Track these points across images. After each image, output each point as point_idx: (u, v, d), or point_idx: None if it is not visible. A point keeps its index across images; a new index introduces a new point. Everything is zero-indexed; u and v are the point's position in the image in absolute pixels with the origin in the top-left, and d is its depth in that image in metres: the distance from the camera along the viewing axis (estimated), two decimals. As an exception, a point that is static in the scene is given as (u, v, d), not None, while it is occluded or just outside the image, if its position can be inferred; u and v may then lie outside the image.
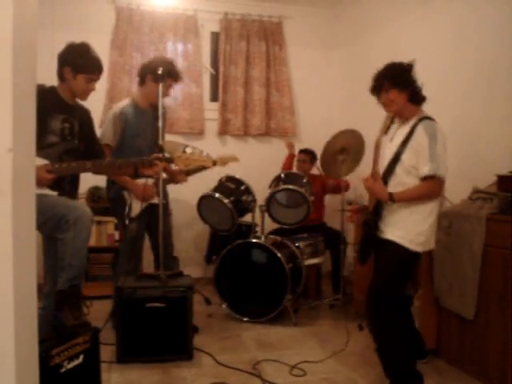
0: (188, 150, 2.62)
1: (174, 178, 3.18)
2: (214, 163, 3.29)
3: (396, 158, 2.27)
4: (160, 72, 2.89)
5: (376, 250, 2.33)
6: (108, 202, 3.24)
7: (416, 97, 2.33)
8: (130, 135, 3.02)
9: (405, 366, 2.24)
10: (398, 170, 2.26)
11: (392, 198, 2.23)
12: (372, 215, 2.32)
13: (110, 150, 2.98)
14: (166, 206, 3.17)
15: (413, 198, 2.22)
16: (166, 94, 3.03)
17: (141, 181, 2.99)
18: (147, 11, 4.34)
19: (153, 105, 3.05)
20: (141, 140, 3.04)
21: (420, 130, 2.20)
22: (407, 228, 2.22)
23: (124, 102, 3.12)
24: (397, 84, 2.30)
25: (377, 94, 2.39)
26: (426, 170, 2.15)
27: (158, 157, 2.60)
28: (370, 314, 2.34)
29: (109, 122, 2.99)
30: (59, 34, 3.87)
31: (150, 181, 3.06)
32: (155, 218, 2.97)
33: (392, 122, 2.35)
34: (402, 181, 2.25)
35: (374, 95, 2.41)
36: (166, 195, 3.21)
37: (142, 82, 3.09)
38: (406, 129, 2.29)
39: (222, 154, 3.33)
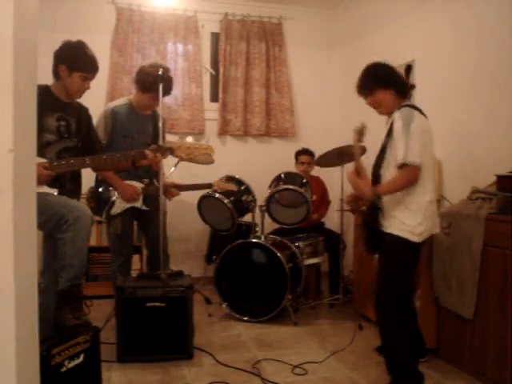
0: (189, 139, 2.61)
1: (166, 191, 3.20)
2: (209, 185, 3.34)
3: (382, 151, 2.29)
4: (146, 83, 2.98)
5: (380, 240, 2.34)
6: (95, 197, 3.22)
7: (403, 89, 2.33)
8: (119, 135, 3.06)
9: (408, 364, 2.24)
10: (385, 162, 2.27)
11: (374, 192, 2.24)
12: (371, 210, 2.33)
13: None
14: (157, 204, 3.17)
15: (394, 189, 2.22)
16: (151, 105, 3.10)
17: (129, 182, 3.02)
18: (147, 12, 4.35)
19: (148, 111, 3.13)
20: (130, 141, 3.07)
21: (397, 117, 2.20)
22: (406, 220, 2.21)
23: (119, 101, 3.18)
24: (380, 83, 2.31)
25: (364, 95, 2.41)
26: (398, 158, 2.15)
27: (157, 148, 2.59)
28: (378, 310, 2.34)
29: (100, 119, 3.05)
30: (60, 34, 3.84)
31: (139, 185, 3.07)
32: (147, 220, 3.04)
33: (361, 133, 2.36)
34: (391, 172, 2.24)
35: (362, 96, 2.42)
36: (157, 201, 3.13)
37: (135, 88, 3.15)
38: (389, 121, 2.31)
39: (219, 180, 3.42)
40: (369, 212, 2.35)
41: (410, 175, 2.17)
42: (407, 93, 2.37)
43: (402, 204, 2.22)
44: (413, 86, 2.43)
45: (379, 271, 2.35)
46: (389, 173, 2.26)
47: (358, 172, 2.34)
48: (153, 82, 2.95)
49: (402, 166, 2.15)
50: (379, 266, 2.35)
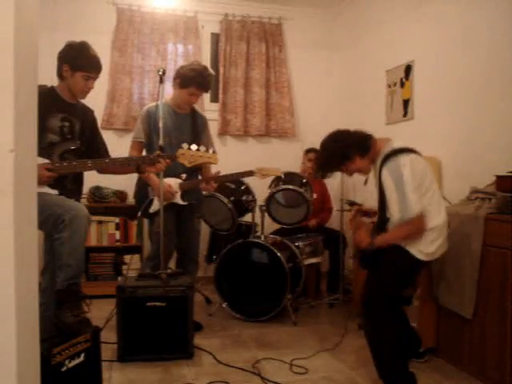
0: (193, 147, 2.62)
1: (204, 185, 3.21)
2: (251, 173, 3.25)
3: (382, 205, 2.30)
4: (187, 80, 2.98)
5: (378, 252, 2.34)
6: (135, 194, 3.29)
7: (364, 149, 2.33)
8: (155, 134, 3.05)
9: (397, 367, 2.24)
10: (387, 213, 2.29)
11: (372, 243, 2.24)
12: (377, 232, 2.33)
13: (140, 146, 3.13)
14: (197, 207, 3.22)
15: (394, 241, 2.23)
16: (189, 101, 3.10)
17: (167, 180, 2.99)
18: (148, 12, 4.36)
19: (181, 108, 3.15)
20: (167, 139, 3.04)
21: (385, 175, 2.18)
22: (419, 238, 2.21)
23: (155, 103, 3.18)
24: (341, 163, 2.35)
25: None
26: (396, 217, 2.15)
27: (160, 154, 2.61)
28: (365, 314, 2.33)
29: (138, 120, 3.16)
30: (60, 35, 3.87)
31: (176, 181, 3.05)
32: (183, 219, 3.04)
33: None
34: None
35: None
36: (200, 196, 3.25)
37: (173, 86, 3.17)
38: (375, 172, 2.31)
39: (262, 166, 3.29)
40: (374, 233, 2.35)
41: (414, 228, 2.18)
42: (369, 149, 2.33)
43: None
44: (370, 137, 2.38)
45: (372, 277, 2.34)
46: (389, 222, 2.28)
47: (358, 225, 2.39)
48: (192, 76, 2.99)
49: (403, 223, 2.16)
50: (373, 272, 2.35)
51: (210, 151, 2.68)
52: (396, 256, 2.25)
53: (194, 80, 3.00)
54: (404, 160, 2.16)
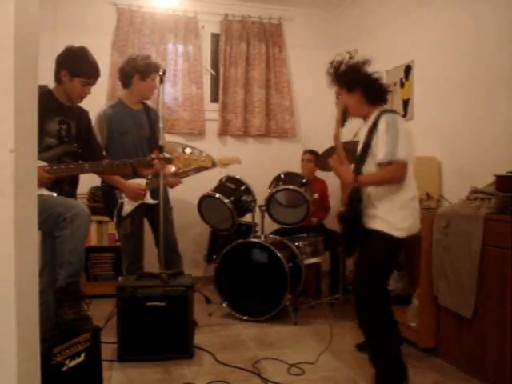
0: (187, 151, 2.64)
1: (167, 182, 3.20)
2: (214, 165, 3.21)
3: (364, 149, 2.27)
4: (148, 69, 3.05)
5: (361, 239, 2.34)
6: (101, 200, 3.30)
7: (372, 97, 2.31)
8: (118, 133, 3.10)
9: (389, 355, 2.25)
10: (368, 158, 2.26)
11: (356, 180, 2.22)
12: (349, 205, 2.29)
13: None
14: (164, 201, 3.19)
15: (375, 183, 2.23)
16: (154, 88, 3.15)
17: (133, 181, 3.02)
18: (148, 13, 4.37)
19: (136, 105, 3.18)
20: (130, 137, 3.12)
21: (381, 120, 2.19)
22: (390, 217, 2.22)
23: (109, 103, 3.25)
24: (344, 86, 2.32)
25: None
26: (381, 155, 2.14)
27: (157, 157, 2.62)
28: (358, 304, 2.34)
29: (95, 123, 3.06)
30: (60, 35, 3.90)
31: (142, 181, 3.07)
32: (156, 216, 3.02)
33: (345, 113, 2.34)
34: (373, 170, 2.26)
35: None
36: (166, 193, 3.23)
37: (127, 85, 3.17)
38: (369, 123, 2.29)
39: (223, 156, 3.30)
40: (351, 205, 2.29)
41: (397, 172, 2.17)
42: (380, 102, 2.33)
43: (385, 199, 2.23)
44: (388, 91, 2.38)
45: (360, 266, 2.35)
46: (370, 171, 2.27)
47: (341, 160, 2.33)
48: (150, 64, 3.07)
49: (385, 164, 2.15)
50: (360, 262, 2.36)
51: (204, 154, 2.70)
52: (376, 240, 2.25)
53: (153, 67, 3.06)
54: (400, 119, 2.24)
